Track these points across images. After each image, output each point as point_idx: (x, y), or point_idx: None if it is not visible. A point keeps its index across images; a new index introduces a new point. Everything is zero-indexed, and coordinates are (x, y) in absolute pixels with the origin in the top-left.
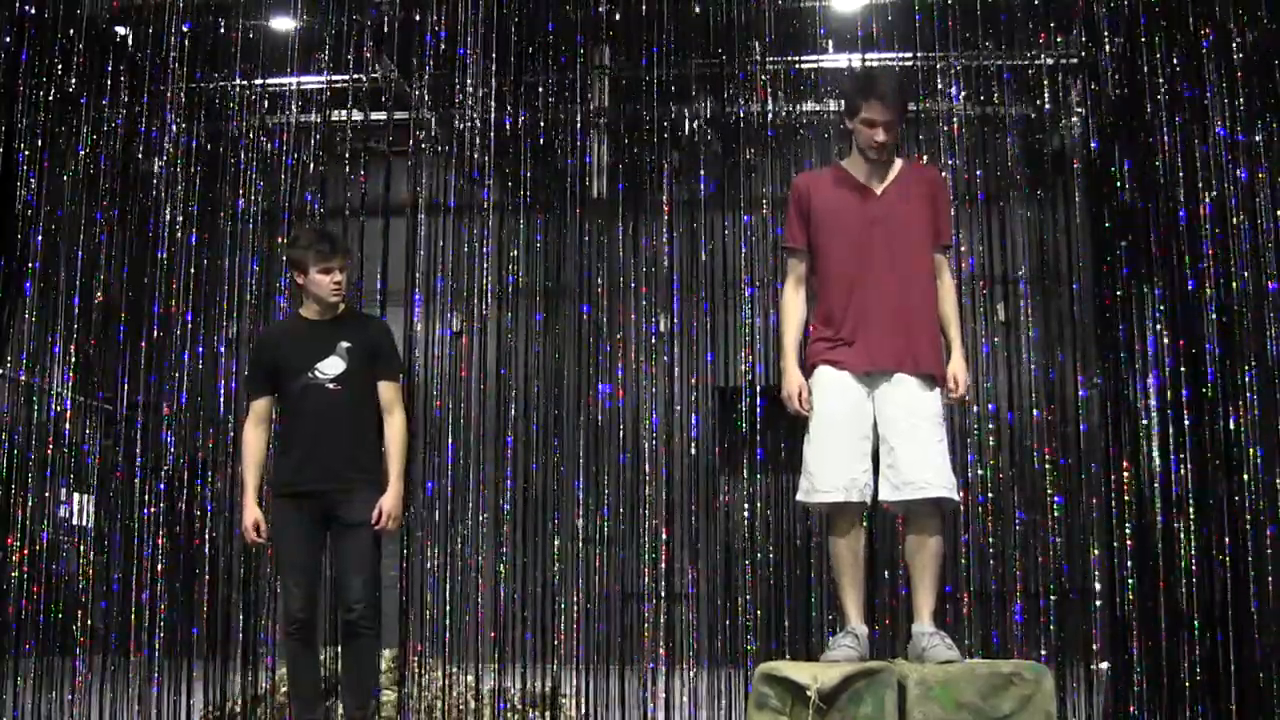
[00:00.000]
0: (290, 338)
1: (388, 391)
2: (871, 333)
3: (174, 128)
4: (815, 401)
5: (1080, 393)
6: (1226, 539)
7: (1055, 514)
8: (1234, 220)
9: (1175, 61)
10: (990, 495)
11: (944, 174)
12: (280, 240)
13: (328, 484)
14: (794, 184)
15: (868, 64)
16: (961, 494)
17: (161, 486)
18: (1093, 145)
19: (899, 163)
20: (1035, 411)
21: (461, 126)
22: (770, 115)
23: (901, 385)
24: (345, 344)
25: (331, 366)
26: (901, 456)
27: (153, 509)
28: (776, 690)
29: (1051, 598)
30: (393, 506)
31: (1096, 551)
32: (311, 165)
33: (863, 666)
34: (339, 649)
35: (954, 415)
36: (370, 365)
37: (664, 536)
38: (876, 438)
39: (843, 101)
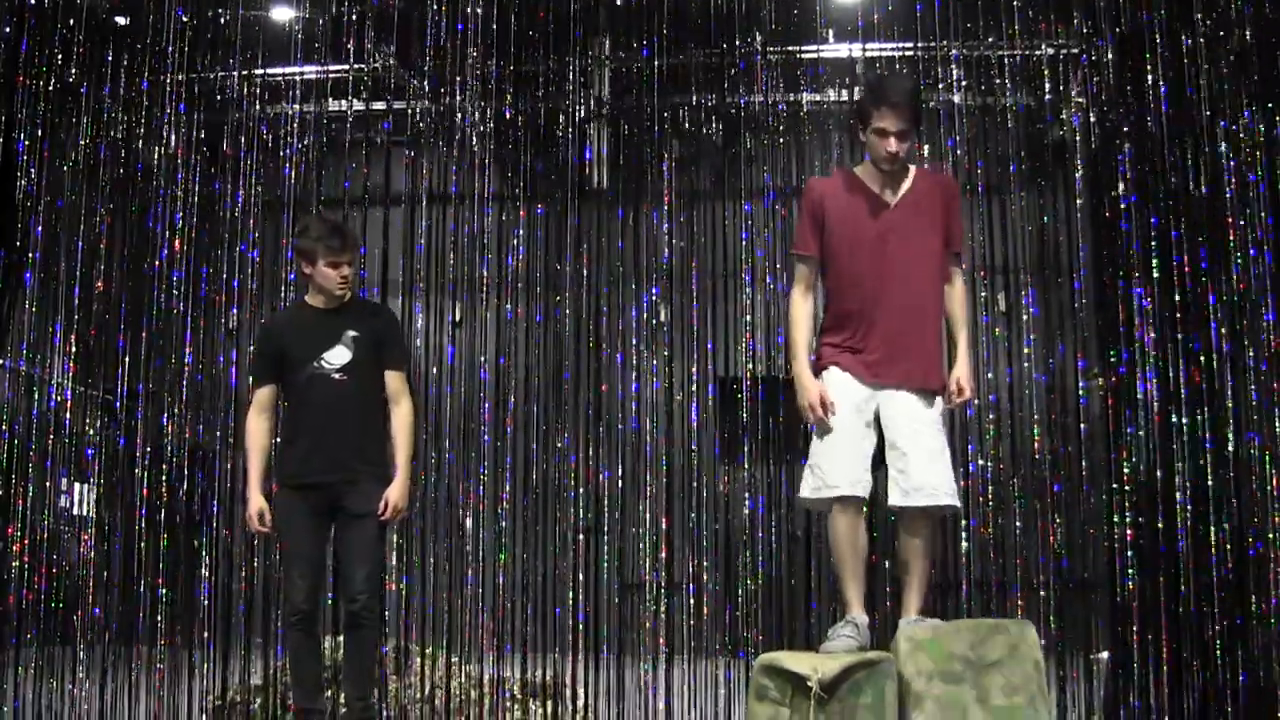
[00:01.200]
0: (296, 327)
1: (394, 381)
2: (881, 347)
3: (170, 123)
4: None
5: (1080, 383)
6: (1226, 528)
7: (1055, 504)
8: (1234, 210)
9: (1177, 49)
10: (990, 486)
11: (945, 165)
12: (279, 228)
13: (333, 475)
14: (808, 189)
15: (878, 69)
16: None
17: (161, 477)
18: (1093, 135)
19: (912, 170)
20: (1035, 402)
21: (461, 117)
22: (771, 105)
23: (906, 393)
24: (352, 333)
25: (338, 356)
26: (913, 463)
27: (146, 493)
28: (776, 681)
29: (1052, 588)
30: (399, 498)
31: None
32: (311, 154)
33: (862, 657)
34: (341, 638)
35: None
36: (377, 354)
37: (664, 526)
38: (878, 436)
39: (855, 111)
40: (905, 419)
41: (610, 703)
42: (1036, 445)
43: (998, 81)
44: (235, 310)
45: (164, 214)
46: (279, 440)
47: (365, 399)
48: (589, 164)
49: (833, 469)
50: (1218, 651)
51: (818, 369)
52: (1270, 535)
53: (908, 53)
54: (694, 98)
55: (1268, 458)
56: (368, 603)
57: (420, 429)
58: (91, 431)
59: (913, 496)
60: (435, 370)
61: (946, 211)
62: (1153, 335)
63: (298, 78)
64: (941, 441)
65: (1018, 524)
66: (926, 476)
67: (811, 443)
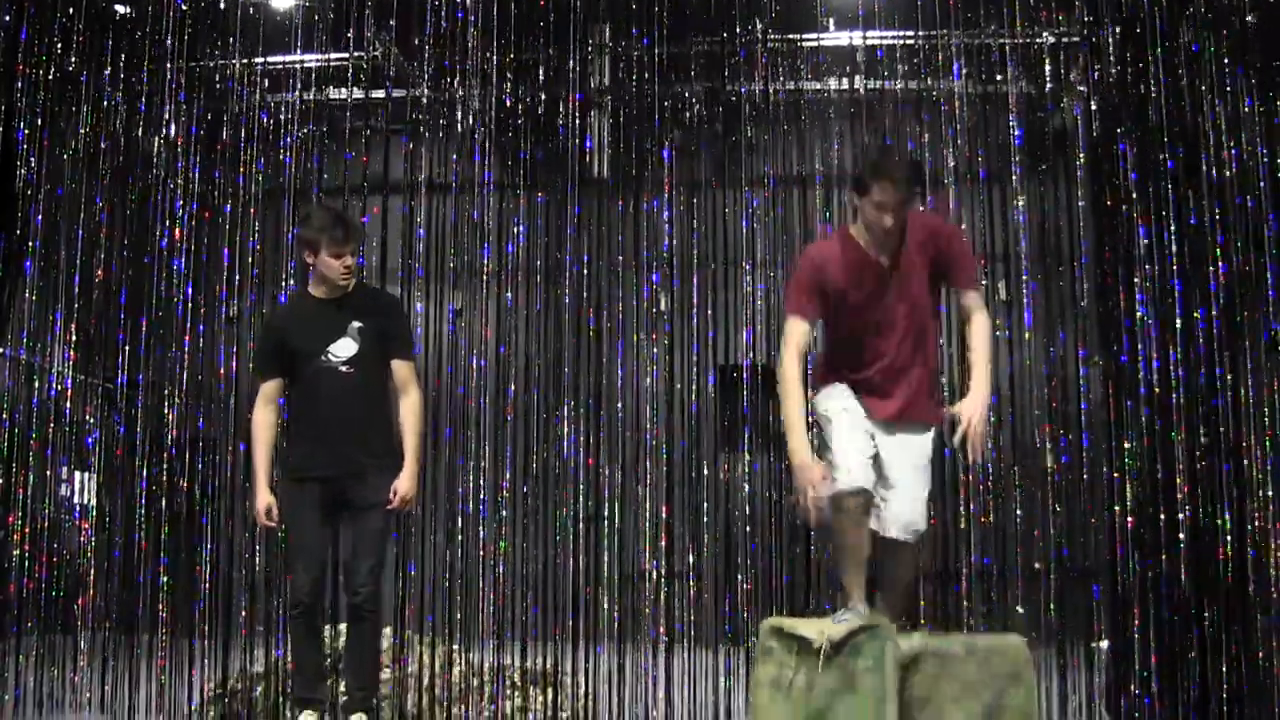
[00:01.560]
0: (299, 319)
1: (402, 370)
2: (880, 393)
3: (170, 112)
4: (831, 403)
5: (1081, 370)
6: (1227, 516)
7: (1056, 492)
8: (1235, 196)
9: (1178, 35)
10: (990, 474)
11: (947, 153)
12: (279, 216)
13: (339, 469)
14: (807, 256)
15: (880, 145)
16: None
17: (156, 469)
18: (1094, 123)
19: (907, 220)
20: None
21: (461, 104)
22: (772, 93)
23: (902, 427)
24: (357, 324)
25: (344, 349)
26: (901, 494)
27: (146, 482)
28: (782, 643)
29: (1052, 576)
30: (408, 488)
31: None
32: (311, 143)
33: (865, 621)
34: (343, 629)
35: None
36: (383, 345)
37: (664, 514)
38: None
39: (853, 181)
40: (900, 448)
41: (610, 690)
42: (1037, 434)
43: (998, 71)
44: (235, 299)
45: (162, 201)
46: (286, 433)
47: (371, 390)
48: (589, 152)
49: (847, 463)
50: (1218, 638)
51: (818, 383)
52: (1270, 522)
53: (908, 41)
54: (694, 86)
55: (1267, 444)
56: (370, 595)
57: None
58: (92, 420)
59: (892, 528)
60: (435, 359)
61: (945, 256)
62: (1154, 323)
63: (298, 66)
64: (929, 474)
65: (1018, 512)
66: (910, 513)
67: (824, 445)
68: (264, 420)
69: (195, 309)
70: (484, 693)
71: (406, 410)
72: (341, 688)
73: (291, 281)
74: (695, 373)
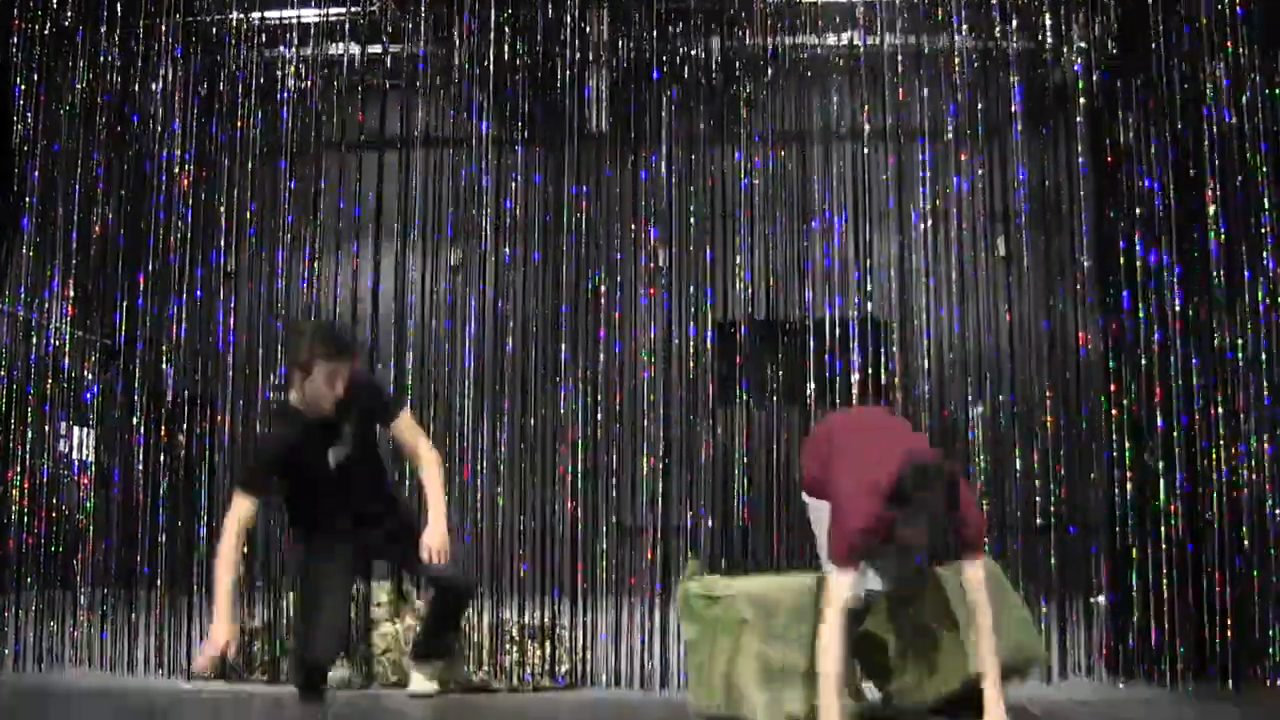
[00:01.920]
0: (297, 442)
1: (401, 425)
2: None
3: (167, 67)
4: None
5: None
6: (1224, 470)
7: (1055, 448)
8: (1237, 153)
9: None
10: (990, 431)
11: (945, 106)
12: (275, 172)
13: (359, 539)
14: (857, 514)
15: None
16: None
17: (154, 424)
18: (1094, 79)
19: None
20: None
21: (458, 59)
22: (782, 47)
23: None
24: (348, 429)
25: (340, 453)
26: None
27: (145, 437)
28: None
29: (1051, 532)
30: (437, 543)
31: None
32: (311, 98)
33: None
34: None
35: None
36: (372, 423)
37: (660, 470)
38: None
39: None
40: None
41: (607, 644)
42: (1039, 390)
43: (998, 26)
44: (233, 254)
45: (157, 154)
46: (286, 519)
47: (366, 469)
48: (588, 106)
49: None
50: (1214, 592)
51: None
52: (1266, 479)
53: None
54: (693, 40)
55: (1265, 397)
56: (457, 575)
57: (417, 381)
58: (90, 375)
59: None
60: (433, 316)
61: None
62: (1153, 280)
63: (295, 20)
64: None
65: (1017, 468)
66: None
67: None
68: (233, 545)
69: (193, 264)
70: (483, 648)
71: (424, 470)
72: (419, 632)
73: (288, 237)
74: (694, 326)
